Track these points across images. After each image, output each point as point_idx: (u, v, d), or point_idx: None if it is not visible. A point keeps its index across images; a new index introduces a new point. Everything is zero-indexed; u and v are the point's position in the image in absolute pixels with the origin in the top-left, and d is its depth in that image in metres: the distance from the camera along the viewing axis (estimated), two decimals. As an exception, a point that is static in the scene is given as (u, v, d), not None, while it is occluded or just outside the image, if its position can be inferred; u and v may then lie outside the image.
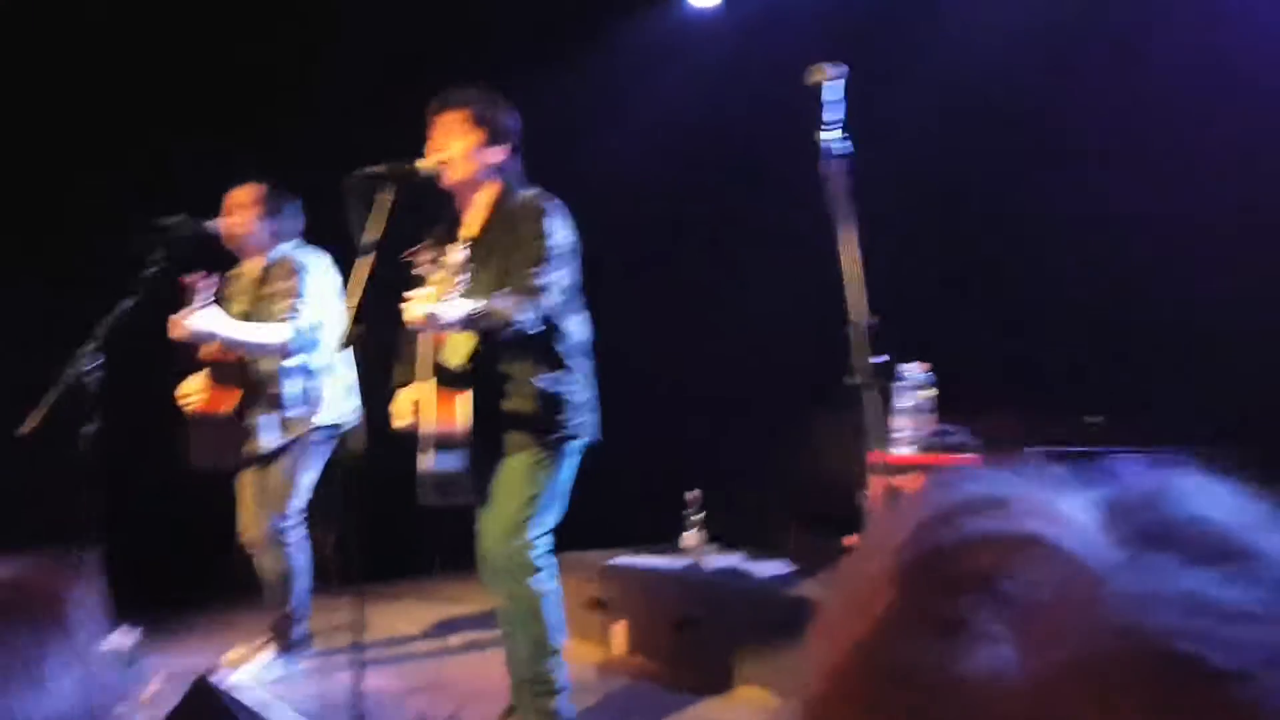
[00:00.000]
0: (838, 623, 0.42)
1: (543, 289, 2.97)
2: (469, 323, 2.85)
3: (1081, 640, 0.36)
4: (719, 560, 4.23)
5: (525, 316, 2.90)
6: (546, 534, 3.10)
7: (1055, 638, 0.36)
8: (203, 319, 3.65)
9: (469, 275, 2.84)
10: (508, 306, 2.88)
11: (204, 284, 3.62)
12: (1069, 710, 0.35)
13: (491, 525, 3.10)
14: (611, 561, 4.31)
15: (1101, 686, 0.35)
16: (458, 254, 2.81)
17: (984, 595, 0.37)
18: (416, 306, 2.76)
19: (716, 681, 3.70)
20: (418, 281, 2.87)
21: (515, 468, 3.08)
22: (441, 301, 2.76)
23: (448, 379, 3.00)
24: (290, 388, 4.00)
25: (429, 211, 3.25)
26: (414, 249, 2.89)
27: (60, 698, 0.64)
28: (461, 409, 2.98)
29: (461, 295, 2.82)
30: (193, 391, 3.94)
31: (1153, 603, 0.36)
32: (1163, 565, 0.37)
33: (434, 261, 2.81)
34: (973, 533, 0.40)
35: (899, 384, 3.29)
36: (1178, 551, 0.38)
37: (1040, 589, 0.37)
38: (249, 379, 3.97)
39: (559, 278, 3.03)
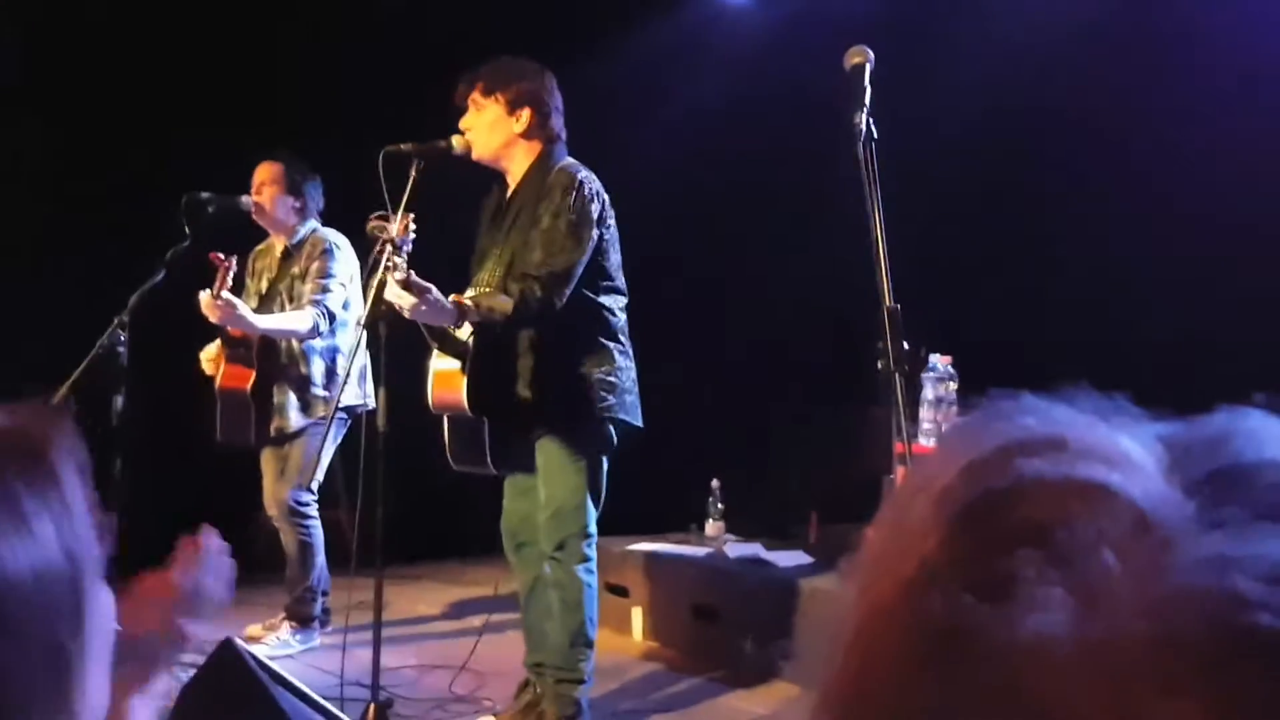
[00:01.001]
0: (877, 571, 0.38)
1: (552, 274, 2.89)
2: (460, 318, 2.82)
3: (1147, 608, 0.32)
4: (740, 549, 4.22)
5: (524, 309, 2.84)
6: (594, 522, 3.08)
7: (1116, 604, 0.33)
8: (234, 301, 3.67)
9: (409, 246, 2.78)
10: (504, 303, 2.83)
11: (229, 263, 3.63)
12: (1130, 687, 0.31)
13: (542, 513, 3.07)
14: (632, 547, 4.32)
15: (1168, 664, 0.31)
16: (394, 225, 2.75)
17: (1038, 550, 0.34)
18: (395, 297, 2.74)
19: (733, 670, 3.70)
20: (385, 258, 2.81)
21: (556, 453, 3.03)
22: (398, 277, 2.71)
23: (450, 350, 2.97)
24: (316, 367, 4.03)
25: (478, 188, 3.26)
26: (374, 216, 2.83)
27: (43, 543, 0.64)
28: (458, 383, 2.93)
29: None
30: (210, 357, 3.97)
31: (1228, 566, 0.32)
32: (1238, 520, 0.34)
33: (381, 231, 2.76)
34: (1027, 476, 0.36)
35: (927, 374, 3.28)
36: (1251, 502, 0.35)
37: (1101, 545, 0.34)
38: (271, 358, 3.99)
39: (578, 256, 2.94)
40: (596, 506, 3.10)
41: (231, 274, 3.64)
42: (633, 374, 3.13)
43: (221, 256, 3.61)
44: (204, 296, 3.63)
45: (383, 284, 2.84)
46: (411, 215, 2.80)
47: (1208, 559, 0.33)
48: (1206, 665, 0.31)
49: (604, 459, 3.09)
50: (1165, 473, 0.37)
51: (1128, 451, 0.37)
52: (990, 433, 0.39)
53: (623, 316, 3.13)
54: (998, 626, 0.33)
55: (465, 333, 2.96)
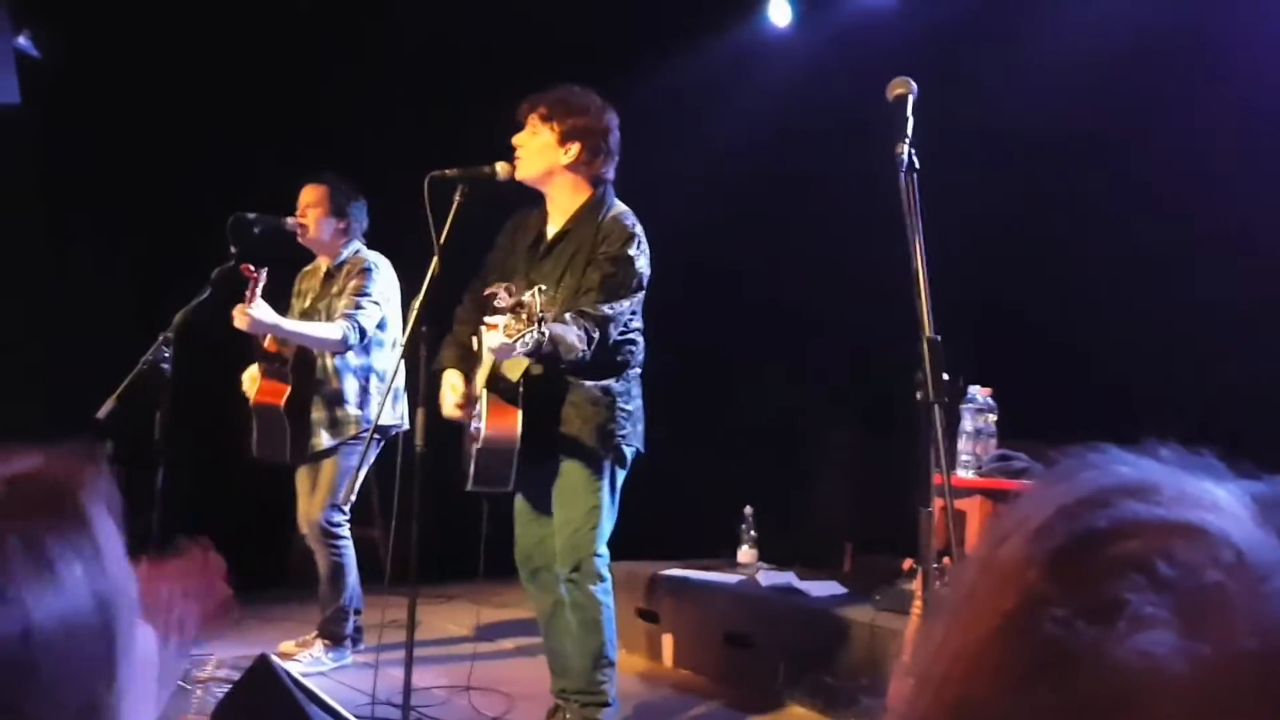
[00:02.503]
0: (970, 607, 0.40)
1: (610, 319, 2.98)
2: (537, 351, 2.86)
3: (1255, 628, 0.34)
4: (773, 577, 4.20)
5: (585, 349, 2.91)
6: (606, 544, 3.12)
7: (1224, 624, 0.34)
8: (264, 310, 3.72)
9: (542, 321, 2.75)
10: (574, 340, 2.89)
11: (258, 275, 3.68)
12: (1239, 704, 0.33)
13: (558, 535, 3.12)
14: (664, 573, 4.30)
15: (1275, 684, 0.33)
16: (537, 298, 2.78)
17: (1143, 578, 0.36)
18: (492, 337, 2.77)
19: (763, 699, 3.67)
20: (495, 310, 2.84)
21: (575, 477, 3.10)
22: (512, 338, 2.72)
23: (503, 392, 3.04)
24: (349, 385, 4.07)
25: (515, 214, 3.29)
26: (497, 286, 2.90)
27: (71, 591, 0.62)
28: (514, 420, 3.02)
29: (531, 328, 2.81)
30: (253, 377, 4.02)
31: None
32: None
33: (516, 304, 2.73)
34: (1127, 516, 0.38)
35: (966, 405, 3.25)
36: None
37: (1206, 574, 0.36)
38: (307, 375, 4.03)
39: (629, 306, 3.05)
40: (610, 525, 3.15)
41: (261, 285, 3.68)
42: (641, 401, 3.22)
43: (252, 268, 3.66)
44: (237, 309, 3.70)
45: (424, 305, 2.88)
46: (542, 288, 2.89)
47: None
48: None
49: (619, 482, 3.16)
50: (1256, 521, 0.38)
51: (1218, 499, 0.39)
52: (1082, 480, 0.41)
53: (642, 344, 3.22)
54: (1107, 646, 0.35)
55: (516, 373, 3.04)
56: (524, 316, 2.70)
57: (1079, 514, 0.39)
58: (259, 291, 3.68)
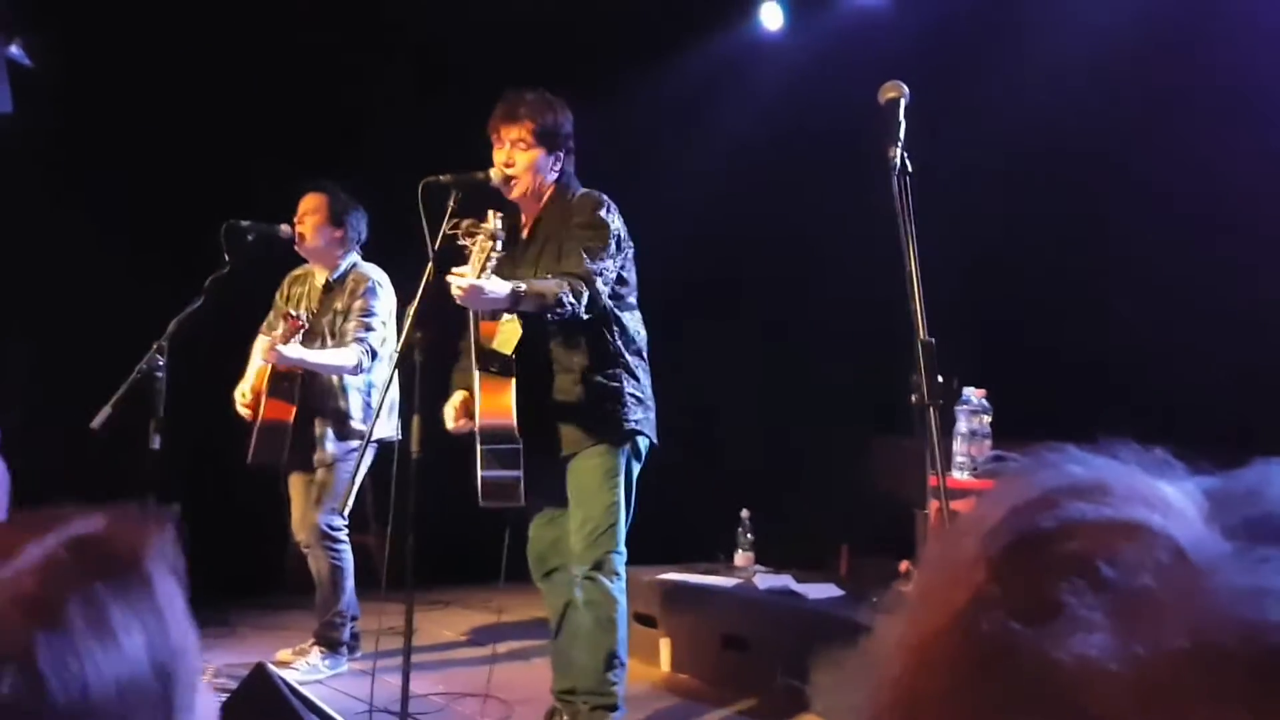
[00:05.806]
0: (925, 605, 0.41)
1: (595, 274, 2.98)
2: (514, 300, 2.84)
3: (1188, 631, 0.35)
4: (769, 580, 4.20)
5: (572, 300, 2.89)
6: (624, 540, 3.11)
7: (1158, 624, 0.35)
8: (295, 349, 3.85)
9: (504, 239, 2.86)
10: (554, 286, 2.88)
11: (302, 322, 3.84)
12: (1173, 702, 0.34)
13: (576, 534, 3.09)
14: (661, 577, 4.30)
15: (1210, 681, 0.33)
16: (494, 221, 2.83)
17: (1083, 580, 0.37)
18: (460, 280, 2.77)
19: (762, 702, 3.67)
20: (462, 255, 2.87)
21: (589, 473, 3.08)
22: (482, 275, 2.77)
23: (494, 367, 3.00)
24: (353, 401, 4.09)
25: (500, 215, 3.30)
26: (453, 221, 2.90)
27: (130, 657, 0.62)
28: (508, 399, 2.98)
29: (506, 274, 2.86)
30: (245, 402, 4.02)
31: (1263, 598, 0.35)
32: (1273, 558, 0.36)
33: (471, 229, 2.83)
34: (1073, 517, 0.39)
35: (961, 407, 3.25)
36: None
37: (1142, 575, 0.36)
38: (313, 394, 4.05)
39: (612, 266, 3.05)
40: (627, 520, 3.13)
41: (301, 333, 3.85)
42: (648, 390, 3.21)
43: (298, 318, 3.82)
44: (268, 344, 3.84)
45: (420, 312, 2.88)
46: (501, 214, 2.89)
47: (1245, 590, 0.35)
48: (1245, 682, 0.33)
49: (635, 475, 3.15)
50: (1204, 518, 0.39)
51: (1167, 497, 0.40)
52: (1035, 480, 0.41)
53: (645, 334, 3.22)
54: (1044, 646, 0.36)
55: (509, 346, 3.01)
56: (480, 239, 2.73)
57: (1027, 514, 0.40)
58: (297, 338, 3.84)
